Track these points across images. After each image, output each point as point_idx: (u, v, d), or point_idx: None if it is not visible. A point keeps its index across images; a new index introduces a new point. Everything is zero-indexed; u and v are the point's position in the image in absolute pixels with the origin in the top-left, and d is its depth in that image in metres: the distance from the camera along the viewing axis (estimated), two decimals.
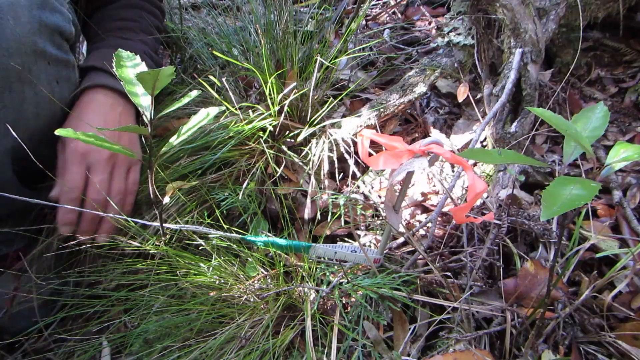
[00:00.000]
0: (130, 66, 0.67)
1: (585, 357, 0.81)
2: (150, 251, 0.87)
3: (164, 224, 0.81)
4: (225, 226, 0.89)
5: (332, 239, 1.06)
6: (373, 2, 1.92)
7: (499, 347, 0.81)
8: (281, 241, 0.87)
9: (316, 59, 1.09)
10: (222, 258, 0.85)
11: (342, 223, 1.05)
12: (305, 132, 1.10)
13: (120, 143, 0.93)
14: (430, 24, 1.68)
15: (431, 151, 0.72)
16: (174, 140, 0.67)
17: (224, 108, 0.70)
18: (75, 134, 0.59)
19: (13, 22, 0.80)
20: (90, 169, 0.93)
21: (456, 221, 0.87)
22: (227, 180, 1.02)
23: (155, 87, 0.55)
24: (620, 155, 0.57)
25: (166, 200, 0.74)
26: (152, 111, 0.60)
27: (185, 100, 0.64)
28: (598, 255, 0.89)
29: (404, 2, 1.86)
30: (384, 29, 1.70)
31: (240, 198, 0.99)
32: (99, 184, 0.93)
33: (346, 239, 1.04)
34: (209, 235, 0.86)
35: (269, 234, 0.95)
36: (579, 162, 1.13)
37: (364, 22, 1.74)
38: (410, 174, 0.79)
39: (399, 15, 1.81)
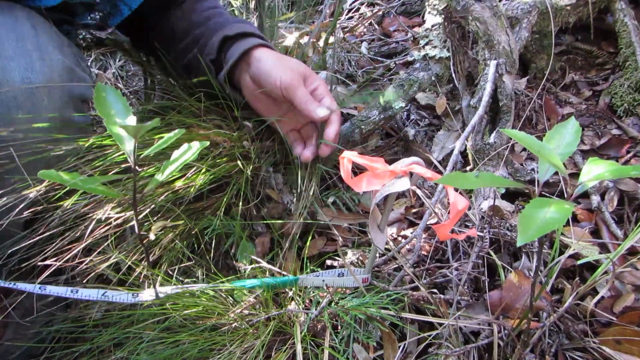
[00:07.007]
0: (111, 101, 0.67)
1: None
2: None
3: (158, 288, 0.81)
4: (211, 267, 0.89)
5: (320, 257, 1.07)
6: (349, 15, 1.94)
7: None
8: (268, 280, 0.88)
9: None
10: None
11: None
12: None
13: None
14: (407, 34, 1.70)
15: (412, 171, 0.74)
16: (159, 177, 0.68)
17: (207, 143, 0.70)
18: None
19: (47, 100, 0.81)
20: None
21: (440, 238, 0.88)
22: (212, 208, 1.02)
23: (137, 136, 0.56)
24: (592, 173, 0.59)
25: (151, 236, 0.74)
26: (135, 156, 0.61)
27: (167, 140, 0.64)
28: (579, 262, 0.92)
29: (380, 13, 1.88)
30: (362, 42, 1.71)
31: (224, 223, 0.99)
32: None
33: (334, 256, 1.04)
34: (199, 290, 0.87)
35: (255, 258, 0.95)
36: None
37: (341, 35, 1.76)
38: (393, 194, 0.80)
39: (376, 26, 1.83)
